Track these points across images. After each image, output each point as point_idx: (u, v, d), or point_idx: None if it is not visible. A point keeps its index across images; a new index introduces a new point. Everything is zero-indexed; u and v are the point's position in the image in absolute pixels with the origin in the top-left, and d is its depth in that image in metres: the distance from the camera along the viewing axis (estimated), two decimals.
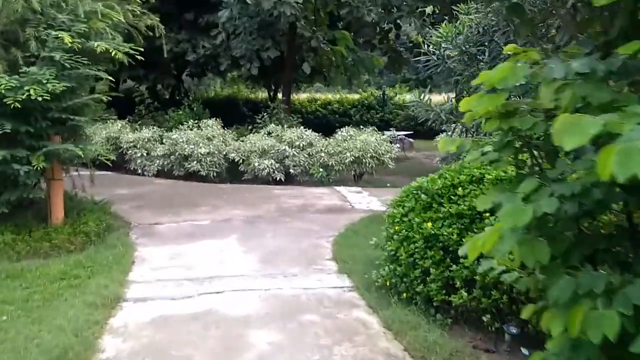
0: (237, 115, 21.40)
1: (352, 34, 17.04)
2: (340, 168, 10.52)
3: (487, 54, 5.79)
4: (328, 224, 7.26)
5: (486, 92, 2.36)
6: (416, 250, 4.31)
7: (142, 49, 7.19)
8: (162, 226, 7.14)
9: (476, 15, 5.69)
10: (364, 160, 10.35)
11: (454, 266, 4.08)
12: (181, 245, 6.24)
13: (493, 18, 5.59)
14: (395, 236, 4.55)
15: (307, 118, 19.55)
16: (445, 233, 4.20)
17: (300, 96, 23.87)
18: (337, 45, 16.50)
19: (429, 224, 4.32)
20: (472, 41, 5.73)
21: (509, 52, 2.48)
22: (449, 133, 11.34)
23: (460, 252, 3.39)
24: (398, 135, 14.19)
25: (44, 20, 6.61)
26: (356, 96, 24.24)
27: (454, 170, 4.61)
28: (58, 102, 6.37)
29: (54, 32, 6.18)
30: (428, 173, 4.81)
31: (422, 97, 6.18)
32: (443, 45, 5.84)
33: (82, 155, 6.28)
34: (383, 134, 10.89)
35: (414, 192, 4.64)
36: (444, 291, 4.13)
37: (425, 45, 6.37)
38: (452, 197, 4.39)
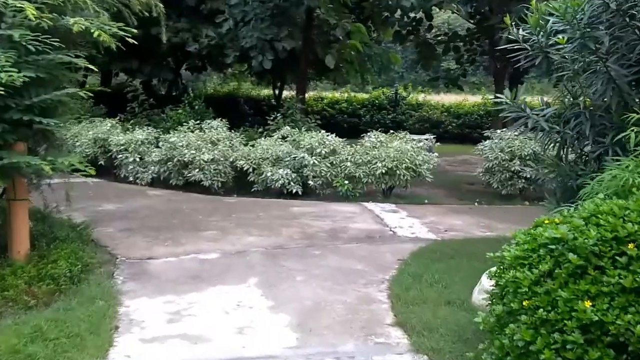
0: (237, 114, 19.75)
1: (370, 26, 15.44)
2: (369, 180, 8.89)
3: (606, 41, 4.17)
4: (372, 260, 5.65)
5: None
6: (568, 346, 2.70)
7: (134, 31, 5.52)
8: (158, 262, 5.48)
9: None
10: (397, 171, 8.73)
11: None
12: (183, 295, 4.60)
13: None
14: (523, 317, 2.93)
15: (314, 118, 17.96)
16: (619, 322, 2.59)
17: (306, 94, 22.25)
18: (350, 39, 14.91)
19: (587, 304, 2.71)
20: (596, 22, 4.12)
21: None
22: (495, 139, 9.75)
23: None
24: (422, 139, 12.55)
25: None
26: (365, 95, 22.63)
27: (609, 210, 2.99)
28: (20, 98, 4.73)
29: (12, 2, 4.53)
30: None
31: (514, 97, 4.56)
32: (554, 25, 4.21)
33: (51, 172, 4.62)
34: (420, 141, 9.29)
35: (550, 246, 3.02)
36: None
37: (514, 29, 4.74)
38: (618, 258, 2.78)
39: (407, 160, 8.76)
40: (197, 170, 9.17)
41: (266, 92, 22.55)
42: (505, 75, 11.02)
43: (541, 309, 2.85)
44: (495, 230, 7.12)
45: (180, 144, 9.40)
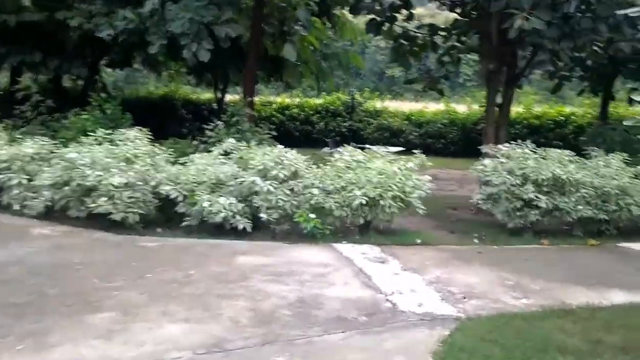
0: (174, 120, 17.05)
1: (325, 22, 13.16)
2: (343, 213, 6.59)
3: None
4: None
5: None
6: None
7: None
8: None
9: None
10: (381, 202, 6.47)
11: None
12: None
13: None
14: None
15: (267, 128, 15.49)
16: None
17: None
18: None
19: None
20: None
21: None
22: (500, 158, 7.66)
23: None
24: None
25: None
26: (319, 100, 20.38)
27: None
28: None
29: None
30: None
31: None
32: None
33: None
34: (409, 161, 7.05)
35: None
36: None
37: None
38: None
39: (394, 187, 6.51)
40: (105, 198, 6.57)
41: (208, 95, 19.91)
42: (499, 78, 9.04)
43: None
44: (533, 296, 4.96)
45: (82, 161, 6.79)
